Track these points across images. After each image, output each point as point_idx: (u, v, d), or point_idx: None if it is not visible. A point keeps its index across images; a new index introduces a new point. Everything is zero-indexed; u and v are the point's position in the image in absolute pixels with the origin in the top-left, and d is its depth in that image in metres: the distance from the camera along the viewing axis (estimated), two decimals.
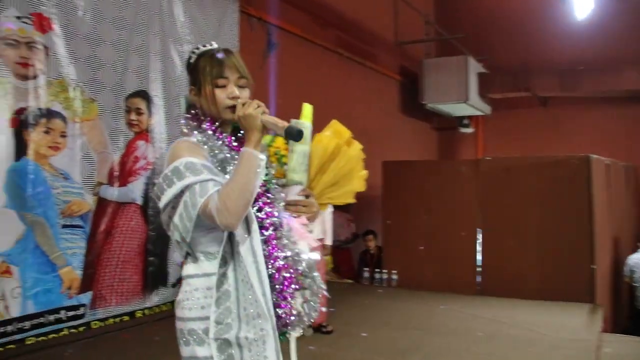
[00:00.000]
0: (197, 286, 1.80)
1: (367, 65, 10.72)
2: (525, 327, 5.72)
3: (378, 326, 5.77)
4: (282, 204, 1.98)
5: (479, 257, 7.76)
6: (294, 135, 1.73)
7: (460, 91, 11.30)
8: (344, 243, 9.47)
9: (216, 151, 1.83)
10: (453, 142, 14.29)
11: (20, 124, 4.58)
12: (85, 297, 5.06)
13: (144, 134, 5.76)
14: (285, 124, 1.76)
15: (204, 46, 1.95)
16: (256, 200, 1.83)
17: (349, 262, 9.48)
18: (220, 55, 1.88)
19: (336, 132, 2.36)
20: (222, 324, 1.75)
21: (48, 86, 4.79)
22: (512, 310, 6.54)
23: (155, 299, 5.73)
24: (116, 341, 4.98)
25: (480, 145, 13.80)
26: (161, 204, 1.78)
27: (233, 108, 1.83)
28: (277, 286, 1.86)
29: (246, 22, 7.56)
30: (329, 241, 5.76)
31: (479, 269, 7.73)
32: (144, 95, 5.77)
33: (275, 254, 1.88)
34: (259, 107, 1.77)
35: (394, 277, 8.14)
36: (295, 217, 2.01)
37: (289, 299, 1.89)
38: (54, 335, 4.75)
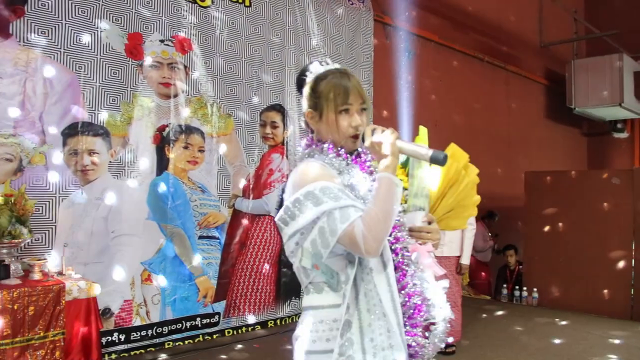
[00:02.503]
0: (322, 318, 1.73)
1: (509, 69, 10.27)
2: None
3: (515, 350, 5.42)
4: (406, 230, 1.87)
5: (633, 277, 7.04)
6: (441, 160, 1.66)
7: (614, 93, 10.49)
8: (476, 252, 9.01)
9: (345, 175, 1.76)
10: (605, 148, 13.21)
11: (161, 140, 4.87)
12: (220, 306, 5.27)
13: (279, 147, 5.88)
14: (428, 150, 1.68)
15: (321, 64, 1.89)
16: None
17: (486, 277, 9.06)
18: (345, 82, 1.80)
19: (454, 155, 2.23)
20: (344, 355, 1.67)
21: (187, 103, 5.05)
22: None
23: (287, 309, 5.83)
24: (247, 350, 5.11)
25: (637, 152, 12.66)
26: (290, 230, 1.69)
27: (355, 137, 1.78)
28: (407, 314, 1.77)
29: (381, 31, 7.50)
30: (465, 260, 5.49)
31: (632, 291, 7.02)
32: (279, 108, 5.91)
33: (405, 280, 1.79)
34: (392, 133, 1.71)
35: (535, 295, 7.66)
36: (420, 244, 1.90)
37: (419, 327, 1.79)
38: (189, 341, 5.00)
